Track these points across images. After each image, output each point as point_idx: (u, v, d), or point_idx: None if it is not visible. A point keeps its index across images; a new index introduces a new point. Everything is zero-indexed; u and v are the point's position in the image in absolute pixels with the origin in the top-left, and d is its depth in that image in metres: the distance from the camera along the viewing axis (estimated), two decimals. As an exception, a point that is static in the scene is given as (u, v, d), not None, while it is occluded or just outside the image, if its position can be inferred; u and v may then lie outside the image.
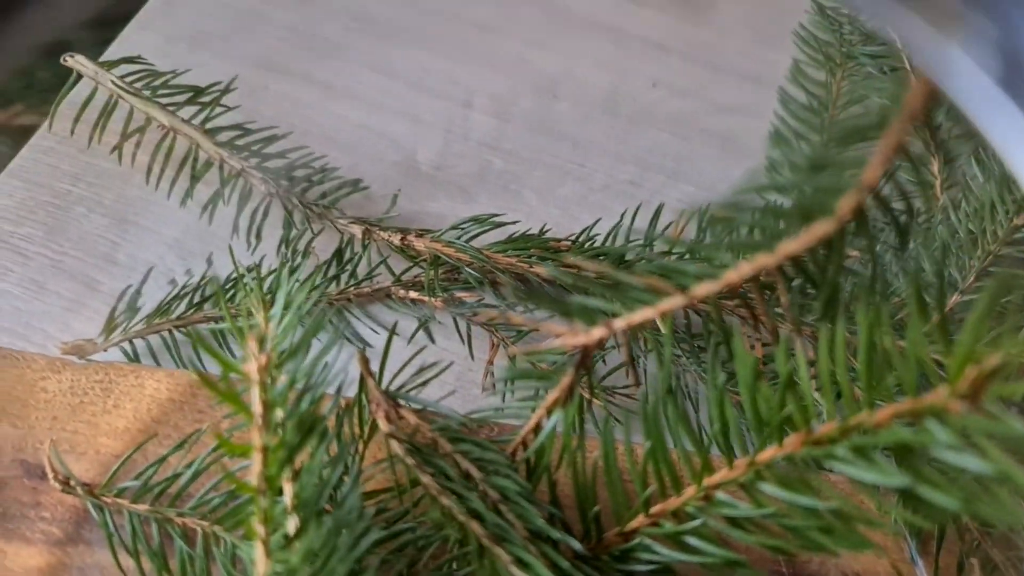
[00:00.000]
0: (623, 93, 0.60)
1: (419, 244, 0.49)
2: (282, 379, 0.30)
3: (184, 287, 0.48)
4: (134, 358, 0.47)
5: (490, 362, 0.48)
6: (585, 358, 0.31)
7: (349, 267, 0.50)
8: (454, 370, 0.48)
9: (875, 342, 0.25)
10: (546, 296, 0.41)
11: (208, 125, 0.51)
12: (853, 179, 0.21)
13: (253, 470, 0.28)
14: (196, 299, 0.48)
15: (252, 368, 0.29)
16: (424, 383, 0.37)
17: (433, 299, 0.49)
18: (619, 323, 0.29)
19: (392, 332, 0.37)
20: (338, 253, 0.50)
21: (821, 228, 0.23)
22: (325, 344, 0.32)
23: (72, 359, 0.44)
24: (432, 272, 0.48)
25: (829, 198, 0.22)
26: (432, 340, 0.50)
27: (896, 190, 0.23)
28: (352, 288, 0.49)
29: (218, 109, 0.51)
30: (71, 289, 0.51)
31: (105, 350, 0.46)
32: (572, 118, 0.59)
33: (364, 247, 0.50)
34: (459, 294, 0.49)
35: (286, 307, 0.31)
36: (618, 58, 0.61)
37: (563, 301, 0.30)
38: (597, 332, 0.30)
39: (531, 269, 0.48)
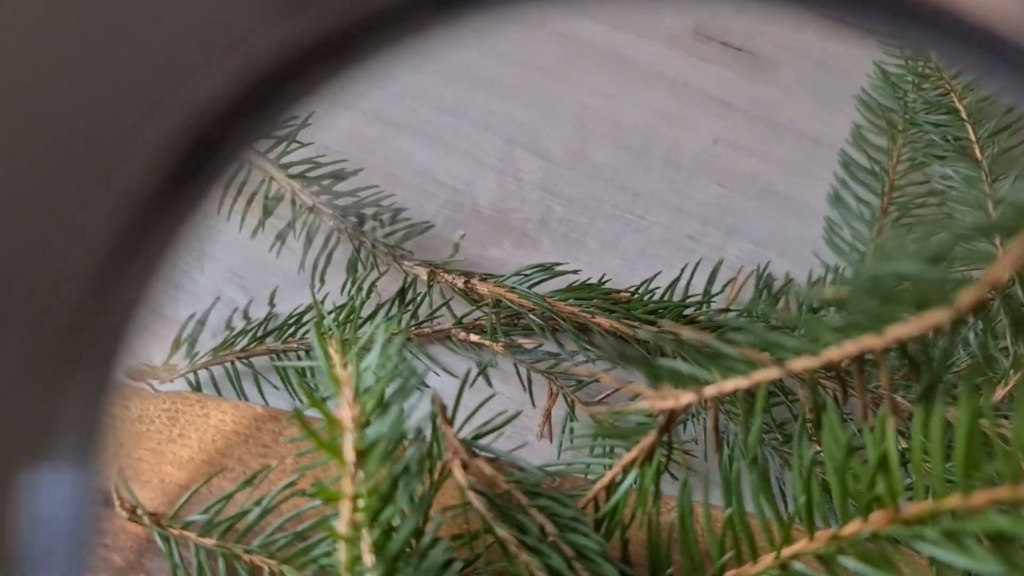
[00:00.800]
0: (684, 147, 0.61)
1: (482, 288, 0.50)
2: (371, 427, 0.30)
3: (249, 320, 0.49)
4: (196, 387, 0.48)
5: (548, 410, 0.48)
6: (670, 422, 0.31)
7: (411, 307, 0.50)
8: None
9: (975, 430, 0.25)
10: (637, 356, 0.41)
11: (282, 160, 0.52)
12: (977, 275, 0.21)
13: (342, 517, 0.29)
14: (260, 333, 0.48)
15: (346, 416, 0.29)
16: (496, 429, 0.37)
17: (495, 344, 0.49)
18: (710, 390, 0.29)
19: (465, 380, 0.37)
20: (401, 293, 0.51)
21: (936, 316, 0.23)
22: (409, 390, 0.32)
23: (140, 386, 0.45)
24: (494, 316, 0.49)
25: (949, 289, 0.22)
26: (490, 385, 0.50)
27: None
28: (413, 328, 0.50)
29: (292, 144, 0.52)
30: (134, 313, 0.52)
31: (172, 380, 0.47)
32: (633, 169, 0.59)
33: (428, 288, 0.51)
34: (519, 340, 0.49)
35: (378, 351, 0.32)
36: (680, 111, 0.62)
37: (653, 363, 0.30)
38: (686, 397, 0.30)
39: (593, 319, 0.48)
